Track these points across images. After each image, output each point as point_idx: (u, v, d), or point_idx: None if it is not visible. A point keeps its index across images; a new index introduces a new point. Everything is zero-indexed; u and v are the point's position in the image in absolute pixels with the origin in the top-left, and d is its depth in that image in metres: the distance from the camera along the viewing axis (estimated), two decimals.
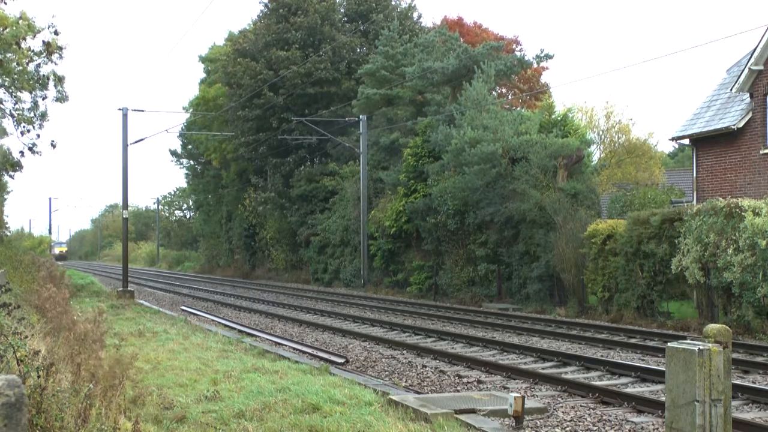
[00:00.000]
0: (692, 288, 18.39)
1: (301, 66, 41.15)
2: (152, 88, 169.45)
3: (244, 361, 11.74)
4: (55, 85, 27.37)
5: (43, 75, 26.94)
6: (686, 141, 22.84)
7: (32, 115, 27.67)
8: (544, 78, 49.42)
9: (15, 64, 25.20)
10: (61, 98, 27.52)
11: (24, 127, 27.52)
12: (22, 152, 27.97)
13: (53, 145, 28.51)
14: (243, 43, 45.96)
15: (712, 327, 6.17)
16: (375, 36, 41.04)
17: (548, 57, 33.02)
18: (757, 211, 15.99)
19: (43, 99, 27.58)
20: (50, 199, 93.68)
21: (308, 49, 42.83)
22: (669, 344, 6.23)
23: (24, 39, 24.34)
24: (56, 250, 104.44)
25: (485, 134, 25.83)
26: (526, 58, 32.75)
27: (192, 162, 63.74)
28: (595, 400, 9.95)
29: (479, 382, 11.65)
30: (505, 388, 11.02)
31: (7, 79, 25.90)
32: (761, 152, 20.18)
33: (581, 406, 9.68)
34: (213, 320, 21.59)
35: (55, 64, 26.86)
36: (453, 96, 31.61)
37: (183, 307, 25.95)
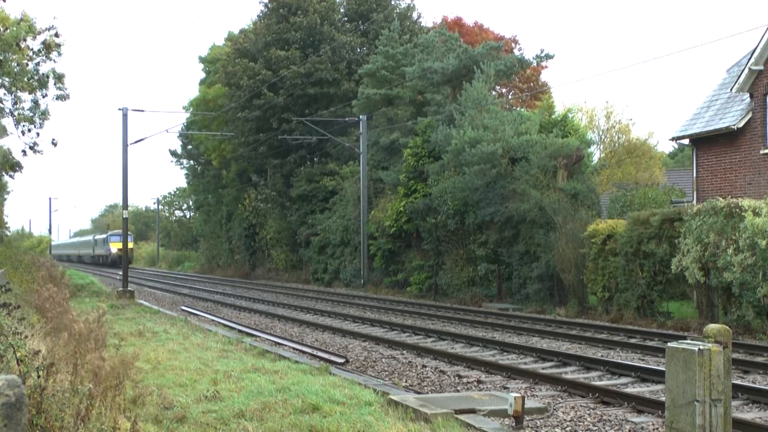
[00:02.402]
0: (692, 288, 18.38)
1: (301, 66, 41.15)
2: (152, 88, 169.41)
3: (244, 361, 11.73)
4: (55, 83, 27.29)
5: (43, 73, 26.89)
6: (686, 141, 22.83)
7: (33, 114, 27.60)
8: (544, 77, 49.49)
9: (14, 63, 25.15)
10: (62, 96, 27.44)
11: (24, 126, 27.45)
12: (24, 151, 27.89)
13: (54, 144, 28.35)
14: (243, 43, 45.97)
15: (712, 327, 6.17)
16: (375, 36, 41.03)
17: (548, 57, 33.04)
18: (757, 211, 15.99)
19: (44, 97, 27.53)
20: (50, 199, 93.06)
21: (308, 49, 42.84)
22: (669, 344, 6.23)
23: (24, 40, 24.30)
24: (111, 248, 68.20)
25: (485, 134, 25.82)
26: (526, 58, 32.76)
27: (192, 162, 63.75)
28: (595, 400, 9.95)
29: (479, 382, 11.64)
30: (505, 388, 11.02)
31: (7, 79, 25.84)
32: (761, 152, 20.17)
33: (581, 406, 9.68)
34: (213, 320, 21.59)
35: (54, 61, 26.81)
36: (453, 96, 31.59)
37: (183, 307, 25.95)
